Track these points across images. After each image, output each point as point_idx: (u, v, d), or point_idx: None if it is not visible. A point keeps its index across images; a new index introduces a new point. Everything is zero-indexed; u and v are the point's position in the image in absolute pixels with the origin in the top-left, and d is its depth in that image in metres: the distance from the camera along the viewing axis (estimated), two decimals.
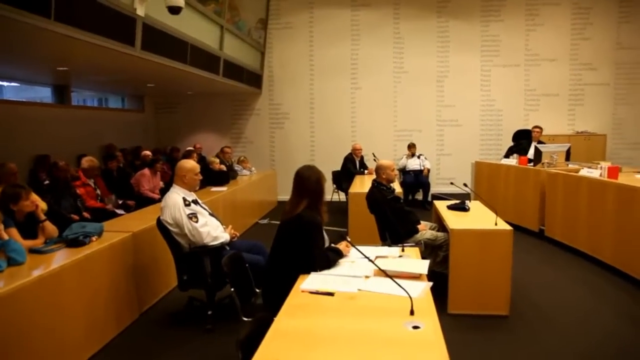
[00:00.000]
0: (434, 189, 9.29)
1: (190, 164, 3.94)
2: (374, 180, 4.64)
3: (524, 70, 9.62)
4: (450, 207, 4.70)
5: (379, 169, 4.59)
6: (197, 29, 6.34)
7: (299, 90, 10.07)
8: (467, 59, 9.66)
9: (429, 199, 8.71)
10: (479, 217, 4.46)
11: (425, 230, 4.49)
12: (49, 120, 7.14)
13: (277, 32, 9.92)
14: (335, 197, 8.81)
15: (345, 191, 7.43)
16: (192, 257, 3.73)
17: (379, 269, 2.53)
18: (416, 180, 8.98)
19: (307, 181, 3.01)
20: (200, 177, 4.00)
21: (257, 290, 3.26)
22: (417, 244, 4.11)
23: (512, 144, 8.29)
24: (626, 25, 9.28)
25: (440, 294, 3.56)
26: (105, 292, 3.54)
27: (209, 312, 3.80)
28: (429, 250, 4.41)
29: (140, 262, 4.07)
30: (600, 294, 4.46)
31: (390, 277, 2.40)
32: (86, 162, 5.74)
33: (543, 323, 3.82)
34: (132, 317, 3.92)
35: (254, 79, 9.55)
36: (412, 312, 2.13)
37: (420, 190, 9.08)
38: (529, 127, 8.01)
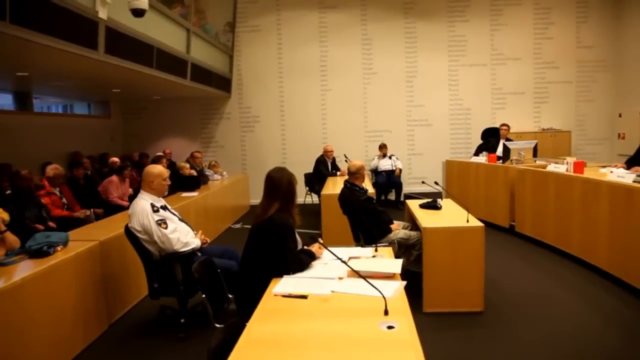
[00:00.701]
0: (406, 189, 9.37)
1: (158, 169, 3.86)
2: (346, 181, 4.63)
3: (490, 69, 9.80)
4: (422, 206, 4.73)
5: (357, 171, 4.56)
6: (163, 32, 6.21)
7: (268, 93, 10.01)
8: (435, 59, 9.79)
9: (402, 198, 8.77)
10: (451, 215, 4.49)
11: (399, 229, 4.50)
12: (10, 128, 6.89)
13: (245, 35, 9.84)
14: (308, 200, 8.78)
15: (318, 193, 7.41)
16: (163, 264, 3.64)
17: (352, 270, 2.51)
18: (388, 180, 9.03)
19: (278, 183, 2.98)
20: (169, 182, 3.91)
21: (230, 296, 3.20)
22: (390, 243, 4.13)
23: (481, 142, 8.43)
24: (584, 25, 9.58)
25: (415, 293, 3.58)
26: (71, 303, 3.42)
27: (182, 320, 3.72)
28: (402, 249, 4.43)
29: (109, 271, 3.94)
30: (569, 285, 4.57)
31: (364, 277, 2.38)
32: (51, 170, 5.56)
33: (517, 317, 3.88)
34: (101, 328, 3.79)
35: (223, 83, 9.44)
36: (386, 312, 2.11)
37: (393, 190, 9.14)
38: (497, 125, 8.17)
